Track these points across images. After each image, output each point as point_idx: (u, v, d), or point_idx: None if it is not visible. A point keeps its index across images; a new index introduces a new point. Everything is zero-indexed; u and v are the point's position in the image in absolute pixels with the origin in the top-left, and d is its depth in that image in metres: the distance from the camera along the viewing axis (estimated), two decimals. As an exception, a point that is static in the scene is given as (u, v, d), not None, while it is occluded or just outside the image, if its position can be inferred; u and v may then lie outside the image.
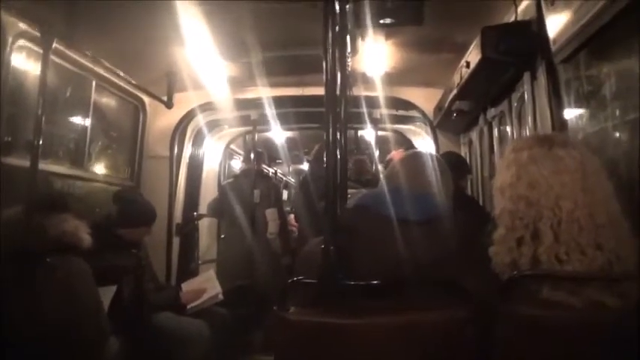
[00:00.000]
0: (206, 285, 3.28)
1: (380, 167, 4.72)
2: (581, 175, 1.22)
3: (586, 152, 1.28)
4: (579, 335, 1.10)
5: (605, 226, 1.18)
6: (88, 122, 3.37)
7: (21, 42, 2.49)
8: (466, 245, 1.25)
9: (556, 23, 1.95)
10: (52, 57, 2.51)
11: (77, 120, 3.34)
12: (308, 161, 6.98)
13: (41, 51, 2.29)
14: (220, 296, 3.23)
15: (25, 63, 2.60)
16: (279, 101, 4.10)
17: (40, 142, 2.16)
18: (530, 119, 2.39)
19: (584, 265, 1.16)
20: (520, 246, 1.21)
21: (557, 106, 2.15)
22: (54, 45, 2.34)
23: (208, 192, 4.94)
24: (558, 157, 1.24)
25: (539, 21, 2.12)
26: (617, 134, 1.73)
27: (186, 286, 3.30)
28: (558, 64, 2.08)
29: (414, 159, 1.46)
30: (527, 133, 2.46)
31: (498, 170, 1.36)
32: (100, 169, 3.62)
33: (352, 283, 1.16)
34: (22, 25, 2.43)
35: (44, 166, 2.73)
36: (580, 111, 2.02)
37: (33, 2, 2.33)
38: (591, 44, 1.82)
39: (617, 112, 1.73)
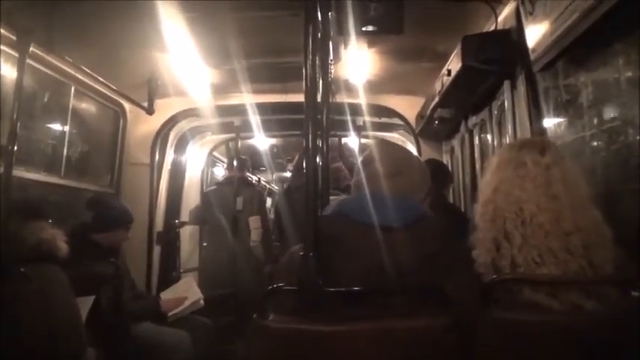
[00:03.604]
0: (186, 292, 3.23)
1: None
2: (544, 181, 1.26)
3: (560, 159, 1.31)
4: (559, 339, 1.11)
5: (572, 233, 1.20)
6: (66, 128, 3.30)
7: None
8: (448, 250, 1.25)
9: (535, 33, 1.98)
10: (30, 61, 2.46)
11: (55, 126, 3.27)
12: (289, 170, 6.95)
13: (17, 55, 2.25)
14: (201, 302, 3.19)
15: (1, 67, 2.54)
16: (262, 108, 4.10)
17: (15, 148, 2.12)
18: (510, 127, 2.42)
19: (559, 269, 1.19)
20: (499, 248, 1.25)
21: (536, 114, 2.18)
22: (31, 49, 2.30)
23: (190, 199, 4.90)
24: (522, 163, 1.30)
25: (519, 30, 2.16)
26: (594, 142, 1.76)
27: (166, 295, 3.25)
28: (537, 72, 2.11)
29: (389, 157, 1.39)
30: (508, 141, 2.49)
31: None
32: (78, 176, 3.55)
33: (333, 290, 1.15)
34: (-2, 28, 2.38)
35: (20, 172, 2.67)
36: (558, 119, 2.05)
37: (10, 6, 2.29)
38: (568, 53, 1.86)
39: (594, 121, 1.76)
